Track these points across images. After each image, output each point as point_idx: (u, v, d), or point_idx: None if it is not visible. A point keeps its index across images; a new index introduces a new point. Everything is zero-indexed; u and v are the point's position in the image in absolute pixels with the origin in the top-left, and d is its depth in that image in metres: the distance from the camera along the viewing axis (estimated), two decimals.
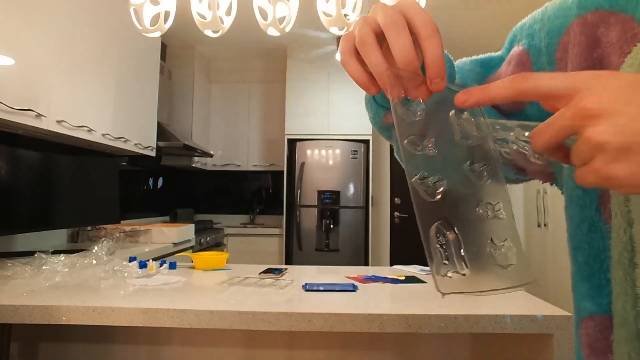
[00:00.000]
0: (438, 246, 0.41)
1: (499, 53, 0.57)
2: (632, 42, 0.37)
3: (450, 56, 0.53)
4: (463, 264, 0.41)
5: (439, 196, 0.42)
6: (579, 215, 0.43)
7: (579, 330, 0.44)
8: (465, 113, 0.44)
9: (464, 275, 0.41)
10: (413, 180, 0.41)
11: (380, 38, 0.41)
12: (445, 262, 0.41)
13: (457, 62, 0.59)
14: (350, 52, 0.43)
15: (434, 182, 0.42)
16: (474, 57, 0.58)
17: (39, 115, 1.91)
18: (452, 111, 0.44)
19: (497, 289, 0.42)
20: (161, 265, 1.70)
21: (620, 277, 0.38)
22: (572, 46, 0.43)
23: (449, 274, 0.41)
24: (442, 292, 0.39)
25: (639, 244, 0.36)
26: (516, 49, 0.51)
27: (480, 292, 0.41)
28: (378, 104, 0.55)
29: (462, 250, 0.42)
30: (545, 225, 3.23)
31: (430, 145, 0.43)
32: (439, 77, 0.40)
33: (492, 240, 0.43)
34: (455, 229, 0.42)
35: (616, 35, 0.39)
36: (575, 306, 0.44)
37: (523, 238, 3.63)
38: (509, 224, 0.44)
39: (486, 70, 0.56)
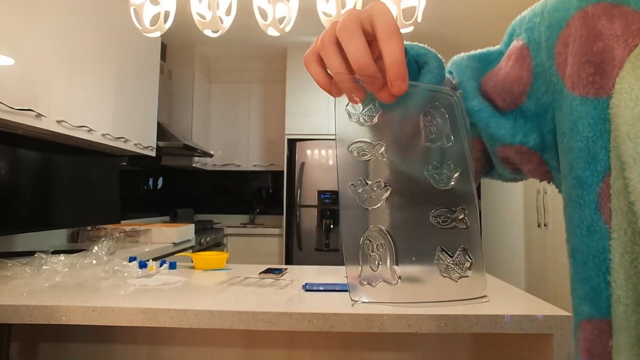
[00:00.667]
0: (370, 253, 0.39)
1: (497, 47, 0.56)
2: (638, 35, 0.37)
3: (439, 56, 0.52)
4: (395, 274, 0.40)
5: (380, 203, 0.40)
6: (578, 216, 0.42)
7: (577, 334, 0.43)
8: (440, 112, 0.43)
9: (393, 284, 0.39)
10: (349, 185, 0.40)
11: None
12: (374, 270, 0.39)
13: (454, 58, 0.58)
14: (312, 56, 0.43)
15: (379, 189, 0.40)
16: (471, 53, 0.57)
17: (39, 115, 1.91)
18: (422, 113, 0.43)
19: (421, 302, 0.40)
20: (161, 265, 1.70)
21: (621, 280, 0.37)
22: (572, 40, 0.42)
23: (374, 284, 0.39)
24: (353, 300, 0.38)
25: None
26: (515, 43, 0.50)
27: (400, 303, 0.39)
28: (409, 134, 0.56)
29: (395, 260, 0.40)
30: (545, 225, 3.23)
31: (382, 151, 0.41)
32: (399, 79, 0.40)
33: (443, 249, 0.41)
34: (391, 237, 0.40)
35: (620, 28, 0.38)
36: (574, 309, 0.43)
37: (523, 238, 3.63)
38: (469, 234, 0.42)
39: (484, 65, 0.55)
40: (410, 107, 0.46)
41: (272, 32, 1.89)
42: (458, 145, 0.43)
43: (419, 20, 1.86)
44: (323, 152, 4.17)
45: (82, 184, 2.48)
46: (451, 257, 0.41)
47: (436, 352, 1.38)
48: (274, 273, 1.59)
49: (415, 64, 0.50)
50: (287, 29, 1.87)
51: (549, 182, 0.52)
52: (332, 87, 0.42)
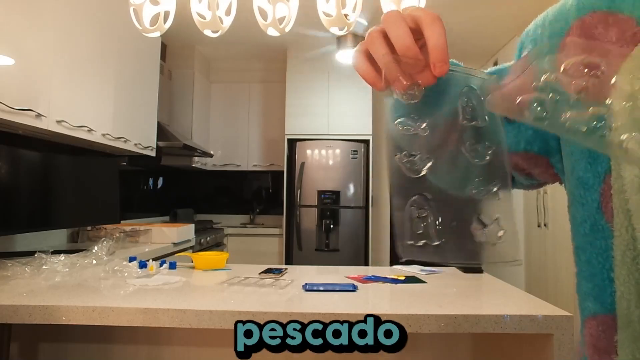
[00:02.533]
0: (415, 217, 0.43)
1: (510, 63, 0.58)
2: (632, 41, 0.38)
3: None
4: (436, 236, 0.43)
5: (424, 172, 0.44)
6: (581, 215, 0.43)
7: (583, 330, 0.44)
8: (476, 94, 0.46)
9: (435, 246, 0.43)
10: (397, 157, 0.44)
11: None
12: (419, 232, 0.42)
13: None
14: (360, 51, 0.45)
15: (422, 160, 0.44)
16: (489, 69, 0.60)
17: (39, 115, 1.91)
18: (459, 95, 0.46)
19: (461, 262, 0.45)
20: (161, 265, 1.70)
21: (624, 276, 0.38)
22: (571, 50, 0.43)
23: (418, 244, 0.43)
24: (401, 255, 0.42)
25: None
26: (524, 54, 0.52)
27: (445, 262, 0.43)
28: (448, 114, 0.58)
29: (437, 223, 0.43)
30: (545, 225, 3.23)
31: (424, 126, 0.45)
32: (442, 61, 0.41)
33: (479, 218, 0.45)
34: (433, 203, 0.43)
35: (615, 35, 0.39)
36: (580, 306, 0.45)
37: (523, 238, 3.63)
38: (504, 204, 0.45)
39: (499, 78, 0.57)
40: (448, 89, 0.48)
41: (272, 32, 1.89)
42: (492, 125, 0.46)
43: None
44: (323, 152, 4.17)
45: (82, 184, 2.48)
46: (486, 225, 0.45)
47: (436, 352, 1.38)
48: (274, 273, 1.59)
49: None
50: (287, 29, 1.87)
51: (560, 184, 0.54)
52: (377, 79, 0.44)
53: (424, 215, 0.43)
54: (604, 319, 0.40)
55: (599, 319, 0.41)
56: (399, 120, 0.45)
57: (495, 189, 0.45)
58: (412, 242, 0.42)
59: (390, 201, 0.43)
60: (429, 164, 0.44)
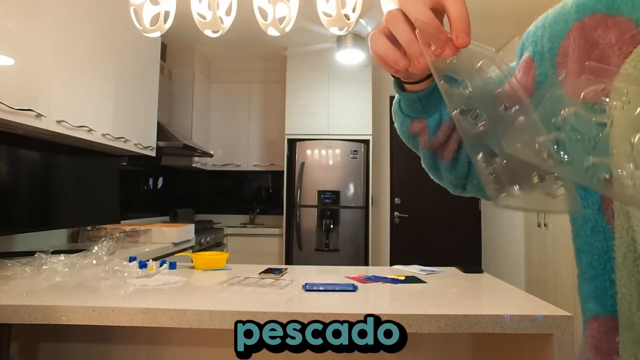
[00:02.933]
0: (487, 172, 0.43)
1: (513, 64, 0.58)
2: (632, 43, 0.38)
3: None
4: (514, 186, 0.43)
5: (480, 128, 0.44)
6: (582, 216, 0.43)
7: (585, 332, 0.44)
8: (491, 67, 0.46)
9: (515, 195, 0.43)
10: (454, 113, 0.44)
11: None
12: (497, 185, 0.43)
13: None
14: (379, 32, 0.45)
15: (474, 117, 0.45)
16: None
17: (39, 115, 1.91)
18: (481, 64, 0.47)
19: (541, 209, 0.47)
20: (161, 265, 1.70)
21: (625, 278, 0.38)
22: (572, 50, 0.44)
23: (502, 195, 0.43)
24: (499, 205, 0.42)
25: None
26: (524, 56, 0.52)
27: (537, 210, 0.44)
28: (404, 114, 0.59)
29: (511, 175, 0.43)
30: (545, 225, 3.23)
31: (463, 88, 0.45)
32: (464, 32, 0.42)
33: (538, 174, 0.45)
34: (501, 156, 0.44)
35: (615, 37, 0.40)
36: (581, 307, 0.45)
37: (523, 238, 3.63)
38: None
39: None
40: (469, 62, 0.48)
41: (272, 32, 1.89)
42: (513, 90, 0.46)
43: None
44: (323, 152, 4.17)
45: (82, 184, 2.48)
46: (544, 180, 0.45)
47: (436, 352, 1.38)
48: (274, 273, 1.59)
49: None
50: (287, 29, 1.87)
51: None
52: (400, 57, 0.45)
53: (493, 166, 0.43)
54: (605, 320, 0.40)
55: (600, 320, 0.41)
56: (443, 78, 0.45)
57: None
58: (497, 194, 0.43)
59: (471, 156, 0.45)
60: (482, 121, 0.45)
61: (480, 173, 0.43)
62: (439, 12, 0.43)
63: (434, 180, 0.67)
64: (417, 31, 0.43)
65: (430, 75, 0.52)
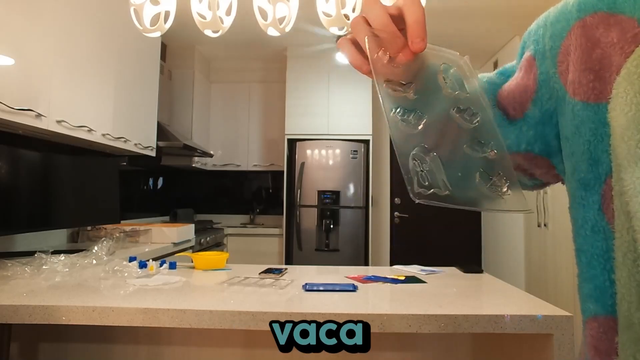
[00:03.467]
0: (418, 171, 0.43)
1: (513, 63, 0.59)
2: (633, 42, 0.38)
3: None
4: (445, 185, 0.44)
5: (420, 127, 0.45)
6: (582, 216, 0.43)
7: (584, 332, 0.44)
8: (452, 70, 0.48)
9: (444, 194, 0.44)
10: (391, 115, 0.45)
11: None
12: (425, 183, 0.43)
13: (480, 75, 0.62)
14: (345, 38, 0.48)
15: (415, 116, 0.46)
16: (496, 70, 0.61)
17: (39, 115, 1.91)
18: (439, 71, 0.48)
19: (475, 207, 0.46)
20: (161, 265, 1.70)
21: (625, 278, 0.38)
22: (573, 48, 0.44)
23: (427, 192, 0.43)
24: (416, 200, 0.42)
25: None
26: (526, 55, 0.53)
27: (458, 206, 0.44)
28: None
29: (443, 174, 0.44)
30: (545, 225, 3.23)
31: (411, 91, 0.46)
32: (419, 37, 0.43)
33: (484, 171, 0.46)
34: (435, 153, 0.44)
35: (617, 36, 0.39)
36: (581, 307, 0.45)
37: (523, 238, 3.63)
38: (501, 161, 0.47)
39: (504, 78, 0.58)
40: (427, 66, 0.49)
41: (272, 32, 1.89)
42: (473, 95, 0.48)
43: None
44: (323, 152, 4.17)
45: (82, 184, 2.48)
46: (490, 179, 0.46)
47: (436, 352, 1.38)
48: (274, 273, 1.59)
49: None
50: (287, 29, 1.87)
51: (563, 184, 0.54)
52: (362, 63, 0.46)
53: (427, 168, 0.44)
54: (604, 320, 0.40)
55: (599, 320, 0.41)
56: (387, 82, 0.46)
57: (489, 150, 0.47)
58: (421, 190, 0.43)
59: (397, 154, 0.45)
60: (423, 121, 0.46)
61: (410, 173, 0.43)
62: (400, 17, 0.44)
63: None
64: (366, 38, 0.45)
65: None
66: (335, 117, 4.27)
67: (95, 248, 1.68)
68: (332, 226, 4.07)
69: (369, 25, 0.45)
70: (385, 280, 1.54)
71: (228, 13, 1.88)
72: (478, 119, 0.47)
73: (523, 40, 0.55)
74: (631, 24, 0.39)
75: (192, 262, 1.77)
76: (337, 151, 4.16)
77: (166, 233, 2.81)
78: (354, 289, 1.37)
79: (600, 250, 0.41)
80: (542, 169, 0.53)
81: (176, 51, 4.16)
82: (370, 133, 4.23)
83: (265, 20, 1.88)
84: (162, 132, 3.45)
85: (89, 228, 2.72)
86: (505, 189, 0.46)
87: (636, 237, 0.37)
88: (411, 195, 0.43)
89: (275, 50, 4.35)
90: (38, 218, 2.20)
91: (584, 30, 0.43)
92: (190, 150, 3.81)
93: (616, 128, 0.38)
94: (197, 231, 3.38)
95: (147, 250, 2.44)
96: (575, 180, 0.44)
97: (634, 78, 0.37)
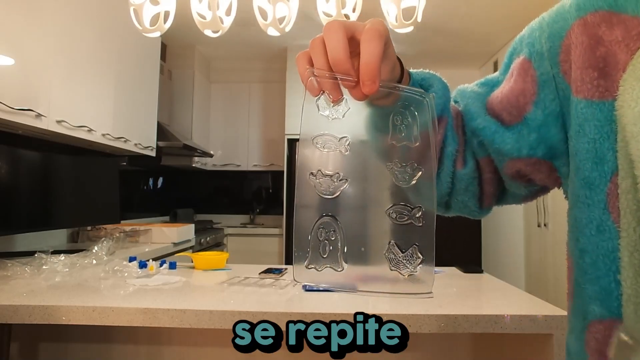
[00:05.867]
0: (321, 240, 0.41)
1: (496, 74, 0.58)
2: (638, 39, 0.38)
3: (443, 79, 0.55)
4: (341, 262, 0.42)
5: (337, 194, 0.42)
6: (586, 216, 0.42)
7: (585, 335, 0.43)
8: (411, 112, 0.45)
9: (338, 271, 0.41)
10: (309, 175, 0.43)
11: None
12: (323, 256, 0.41)
13: (459, 87, 0.61)
14: (302, 55, 0.46)
15: (337, 180, 0.43)
16: (476, 81, 0.60)
17: (39, 115, 1.91)
18: (392, 113, 0.45)
19: (364, 291, 0.44)
20: (161, 265, 1.70)
21: (631, 278, 0.37)
22: (574, 47, 0.43)
23: (320, 268, 0.41)
24: (295, 280, 0.41)
25: None
26: (517, 61, 0.52)
27: (340, 290, 0.43)
28: (377, 130, 0.53)
29: (344, 249, 0.42)
30: (545, 225, 3.23)
31: (347, 145, 0.44)
32: (370, 79, 0.41)
33: (396, 244, 0.43)
34: (343, 226, 0.42)
35: (621, 34, 0.39)
36: (581, 309, 0.43)
37: (523, 238, 3.63)
38: (424, 232, 0.44)
39: (489, 88, 0.57)
40: (380, 107, 0.48)
41: (272, 32, 1.89)
42: (424, 146, 0.45)
43: (419, 20, 1.86)
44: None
45: (82, 184, 2.48)
46: (403, 252, 0.43)
47: (436, 352, 1.38)
48: (274, 273, 1.59)
49: (420, 87, 0.53)
50: (287, 29, 1.87)
51: (558, 188, 0.53)
52: (309, 84, 0.44)
53: (332, 238, 0.41)
54: (610, 322, 0.39)
55: (605, 323, 0.40)
56: (318, 137, 0.44)
57: (419, 214, 0.43)
58: (313, 266, 0.41)
59: (295, 220, 0.42)
60: (344, 186, 0.43)
61: (310, 241, 0.41)
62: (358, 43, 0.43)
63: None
64: (310, 79, 0.43)
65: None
66: None
67: (95, 248, 1.68)
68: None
69: (324, 53, 0.43)
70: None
71: (228, 13, 1.88)
72: (418, 175, 0.44)
73: (512, 47, 0.54)
74: (635, 22, 0.39)
75: (192, 262, 1.77)
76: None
77: (166, 233, 2.81)
78: (354, 289, 1.36)
79: (606, 251, 0.40)
80: (543, 173, 0.52)
81: (176, 51, 4.16)
82: None
83: (265, 20, 1.88)
84: (162, 132, 3.45)
85: (89, 228, 2.72)
86: (419, 262, 0.43)
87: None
88: (295, 275, 0.40)
89: (275, 50, 4.34)
90: (38, 218, 2.20)
91: (585, 28, 0.42)
92: (190, 150, 3.81)
93: (626, 125, 0.37)
94: (197, 231, 3.38)
95: (147, 250, 2.44)
96: (579, 179, 0.43)
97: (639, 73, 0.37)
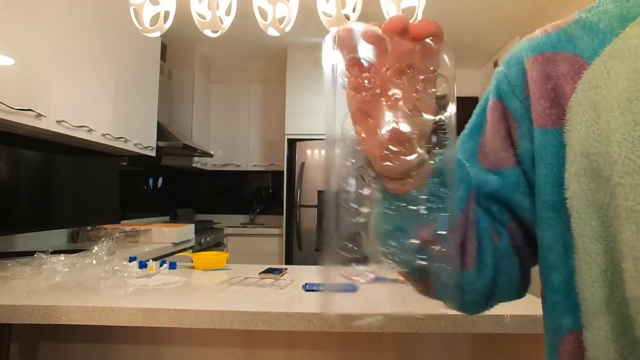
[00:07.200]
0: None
1: (474, 118, 0.57)
2: (579, 71, 0.44)
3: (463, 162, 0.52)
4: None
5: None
6: (552, 236, 0.45)
7: (558, 348, 0.45)
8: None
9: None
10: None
11: None
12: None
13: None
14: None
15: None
16: (460, 136, 0.58)
17: (39, 115, 1.91)
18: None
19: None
20: (161, 265, 1.70)
21: (590, 295, 0.41)
22: (532, 82, 0.48)
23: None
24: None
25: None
26: (489, 105, 0.53)
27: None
28: (397, 230, 0.47)
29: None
30: None
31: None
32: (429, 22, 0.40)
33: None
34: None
35: (565, 69, 0.45)
36: (554, 324, 0.46)
37: None
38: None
39: (475, 138, 0.55)
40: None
41: (272, 32, 1.89)
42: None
43: (419, 20, 1.86)
44: (323, 152, 4.17)
45: (82, 184, 2.48)
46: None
47: (436, 352, 1.38)
48: (274, 273, 1.59)
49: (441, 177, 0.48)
50: (287, 29, 1.87)
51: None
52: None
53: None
54: (579, 334, 0.42)
55: (575, 334, 0.43)
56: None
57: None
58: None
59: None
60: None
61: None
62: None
63: (451, 306, 0.53)
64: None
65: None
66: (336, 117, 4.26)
67: (95, 248, 1.68)
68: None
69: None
70: (385, 280, 1.54)
71: (228, 13, 1.88)
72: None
73: (484, 98, 0.56)
74: (575, 59, 0.45)
75: (192, 262, 1.77)
76: (337, 151, 4.16)
77: (166, 233, 2.81)
78: (353, 289, 1.37)
79: (573, 267, 0.43)
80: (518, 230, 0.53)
81: (176, 51, 4.16)
82: None
83: (265, 20, 1.88)
84: (162, 132, 3.45)
85: (89, 228, 2.72)
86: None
87: (579, 258, 0.41)
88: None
89: (275, 50, 4.34)
90: (38, 218, 2.20)
91: (534, 65, 0.48)
92: (190, 150, 3.81)
93: (573, 145, 0.42)
94: (197, 231, 3.38)
95: (147, 250, 2.44)
96: (542, 202, 0.46)
97: (581, 100, 0.42)
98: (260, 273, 1.59)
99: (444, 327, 1.08)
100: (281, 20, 1.86)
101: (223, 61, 4.70)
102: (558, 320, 0.45)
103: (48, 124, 1.98)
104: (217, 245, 3.92)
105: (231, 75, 4.74)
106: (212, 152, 4.40)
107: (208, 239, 3.63)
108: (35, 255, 1.55)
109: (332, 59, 0.41)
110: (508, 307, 1.17)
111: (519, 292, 0.58)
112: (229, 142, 4.66)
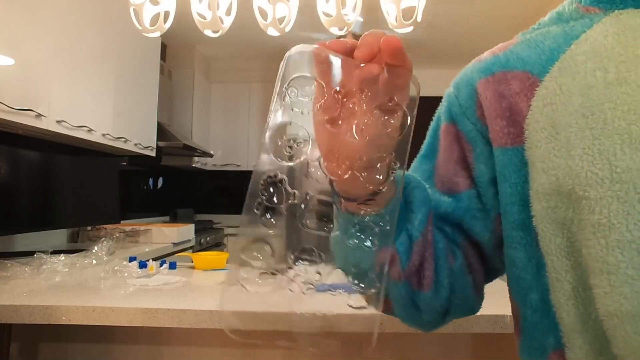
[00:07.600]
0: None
1: (427, 139, 0.56)
2: (532, 88, 0.44)
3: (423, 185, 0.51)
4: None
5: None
6: (525, 255, 0.45)
7: None
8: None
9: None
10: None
11: None
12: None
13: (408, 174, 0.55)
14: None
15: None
16: (414, 162, 0.58)
17: (39, 115, 1.91)
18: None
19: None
20: (161, 265, 1.70)
21: (567, 311, 0.41)
22: (484, 102, 0.47)
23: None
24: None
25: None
26: (442, 128, 0.53)
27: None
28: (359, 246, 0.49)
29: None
30: None
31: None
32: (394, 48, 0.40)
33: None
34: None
35: (518, 86, 0.45)
36: (538, 344, 0.45)
37: None
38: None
39: (431, 163, 0.55)
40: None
41: (272, 32, 1.89)
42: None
43: (419, 20, 1.86)
44: None
45: (82, 184, 2.48)
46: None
47: (436, 352, 1.38)
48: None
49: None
50: (287, 29, 1.87)
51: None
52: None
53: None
54: (562, 352, 0.42)
55: (558, 353, 0.42)
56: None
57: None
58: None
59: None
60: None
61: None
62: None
63: (409, 324, 0.56)
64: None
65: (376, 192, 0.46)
66: None
67: (95, 248, 1.68)
68: (332, 226, 4.06)
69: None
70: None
71: (228, 13, 1.88)
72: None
73: (437, 116, 0.55)
74: (526, 75, 0.45)
75: (192, 262, 1.77)
76: None
77: (166, 233, 2.81)
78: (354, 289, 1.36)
79: (548, 286, 0.42)
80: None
81: (176, 51, 4.15)
82: None
83: (265, 20, 1.88)
84: (162, 132, 3.45)
85: (89, 228, 2.71)
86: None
87: (551, 276, 0.41)
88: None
89: (275, 50, 4.34)
90: (38, 218, 2.20)
91: (487, 85, 0.47)
92: (190, 150, 3.81)
93: (535, 162, 0.42)
94: (197, 231, 3.38)
95: (147, 250, 2.44)
96: (509, 222, 0.45)
97: (538, 117, 0.42)
98: (260, 273, 1.59)
99: (444, 327, 1.07)
100: (281, 20, 1.86)
101: (223, 61, 4.70)
102: (542, 339, 0.44)
103: (48, 124, 1.98)
104: (217, 245, 3.92)
105: (231, 75, 4.74)
106: (212, 152, 4.40)
107: (208, 239, 3.63)
108: (35, 255, 1.55)
109: (285, 77, 0.43)
110: (508, 307, 1.17)
111: (473, 308, 0.60)
112: (229, 142, 4.66)
